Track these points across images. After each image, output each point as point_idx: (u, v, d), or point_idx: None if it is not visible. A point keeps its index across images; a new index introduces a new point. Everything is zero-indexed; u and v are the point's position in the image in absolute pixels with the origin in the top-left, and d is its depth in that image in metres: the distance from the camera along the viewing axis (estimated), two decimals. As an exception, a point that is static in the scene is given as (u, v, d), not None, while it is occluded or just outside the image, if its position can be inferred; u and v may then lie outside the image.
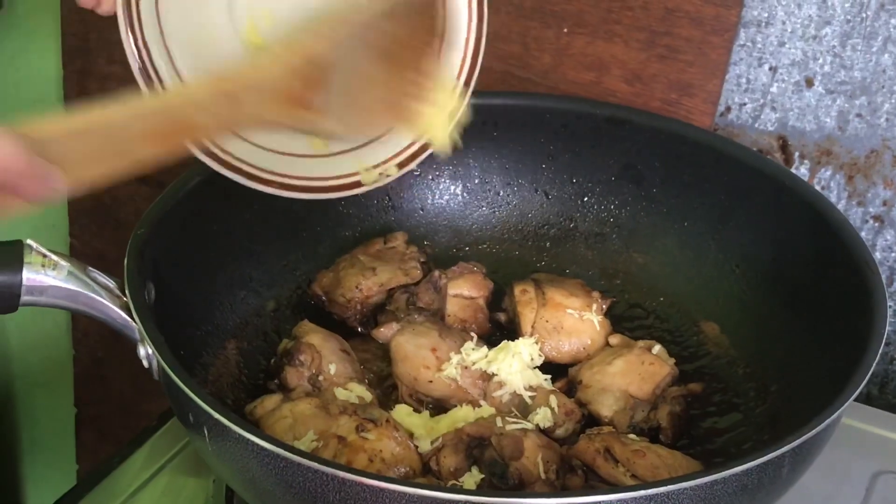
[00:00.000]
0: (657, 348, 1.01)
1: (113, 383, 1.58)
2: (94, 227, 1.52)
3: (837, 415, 0.78)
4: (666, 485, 0.71)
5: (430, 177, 1.17)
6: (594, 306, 1.04)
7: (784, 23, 1.13)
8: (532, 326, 1.03)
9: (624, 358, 0.99)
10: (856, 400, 1.16)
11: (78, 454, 1.72)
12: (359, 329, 1.06)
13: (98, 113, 0.69)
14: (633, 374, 0.97)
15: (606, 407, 0.95)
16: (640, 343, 1.01)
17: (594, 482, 0.87)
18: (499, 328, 1.06)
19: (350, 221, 1.14)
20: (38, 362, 1.68)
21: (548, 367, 1.01)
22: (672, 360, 1.00)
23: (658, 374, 0.97)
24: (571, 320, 1.03)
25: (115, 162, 0.69)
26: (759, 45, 1.15)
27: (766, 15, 1.13)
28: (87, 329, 1.58)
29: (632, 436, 0.91)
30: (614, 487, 0.83)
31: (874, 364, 0.82)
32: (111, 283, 0.87)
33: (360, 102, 0.79)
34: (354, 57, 0.76)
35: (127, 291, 0.86)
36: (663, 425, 0.95)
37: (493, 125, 1.15)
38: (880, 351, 0.83)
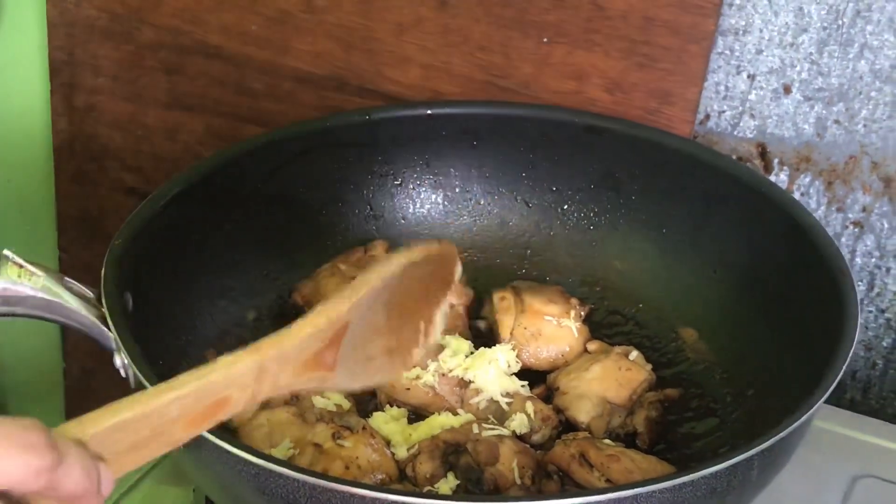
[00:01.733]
0: (634, 354, 1.01)
1: (103, 395, 1.58)
2: (83, 239, 1.52)
3: (806, 418, 0.78)
4: (633, 488, 0.71)
5: (412, 186, 1.18)
6: (572, 313, 1.05)
7: (761, 31, 1.14)
8: (511, 333, 1.04)
9: (601, 364, 0.99)
10: (839, 405, 1.19)
11: (69, 467, 1.72)
12: (339, 338, 1.06)
13: (137, 401, 0.66)
14: (609, 380, 0.97)
15: (584, 413, 0.96)
16: (618, 349, 1.02)
17: (570, 487, 0.88)
18: (479, 336, 1.07)
19: (331, 231, 1.14)
20: (29, 375, 1.69)
21: (526, 373, 1.01)
22: (649, 366, 1.01)
23: (635, 379, 0.98)
24: (550, 327, 1.04)
25: (154, 447, 0.66)
26: (737, 53, 1.15)
27: (743, 23, 1.14)
28: (76, 341, 1.59)
29: (607, 441, 0.92)
30: (582, 490, 0.83)
31: (843, 369, 0.82)
32: (89, 294, 0.88)
33: (367, 352, 0.76)
34: (370, 311, 0.74)
35: (103, 301, 0.86)
36: (640, 430, 0.95)
37: (473, 134, 1.16)
38: (849, 356, 0.83)
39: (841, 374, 0.81)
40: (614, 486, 0.75)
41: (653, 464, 0.88)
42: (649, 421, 0.95)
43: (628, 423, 0.96)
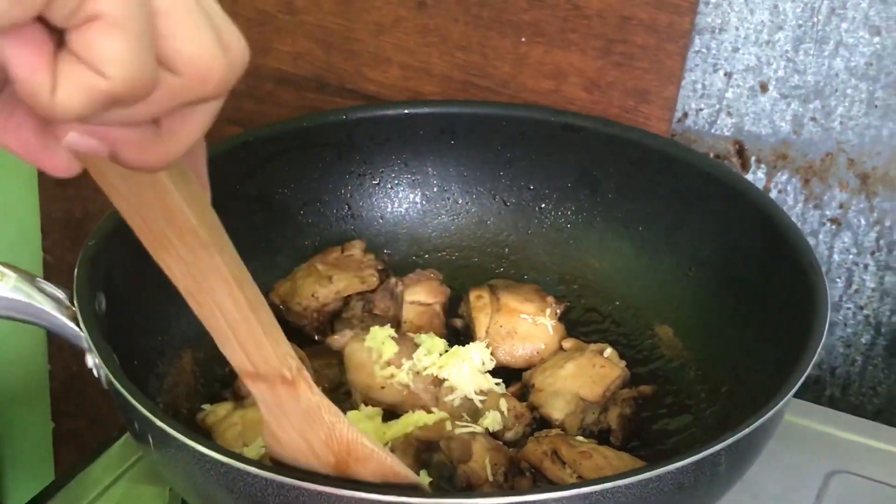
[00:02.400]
0: (608, 351, 1.01)
1: (89, 398, 1.59)
2: (67, 241, 1.53)
3: (771, 415, 0.78)
4: (599, 483, 0.72)
5: (390, 185, 1.18)
6: (548, 311, 1.05)
7: (737, 29, 1.14)
8: (486, 331, 1.04)
9: (576, 361, 1.00)
10: (818, 402, 1.19)
11: (56, 469, 1.73)
12: (316, 337, 1.07)
13: None
14: (584, 377, 0.98)
15: (558, 410, 0.96)
16: (592, 346, 1.02)
17: (542, 484, 0.88)
18: (455, 334, 1.07)
19: (309, 231, 1.15)
20: (16, 378, 1.69)
21: (503, 371, 1.02)
22: (623, 363, 1.01)
23: (608, 376, 0.98)
24: (525, 325, 1.04)
25: None
26: (714, 52, 1.16)
27: (719, 21, 1.14)
28: (61, 343, 1.58)
29: (580, 438, 0.92)
30: (548, 486, 0.83)
31: (809, 368, 0.82)
32: (61, 294, 0.88)
33: None
34: None
35: (75, 301, 0.86)
36: (613, 427, 0.96)
37: (450, 133, 1.16)
38: (815, 355, 0.83)
39: (807, 371, 0.81)
40: (580, 483, 0.75)
41: (624, 460, 0.88)
42: (622, 418, 0.96)
43: (602, 420, 0.96)
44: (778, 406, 0.78)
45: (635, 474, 0.72)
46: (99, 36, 0.41)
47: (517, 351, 1.04)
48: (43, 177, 1.48)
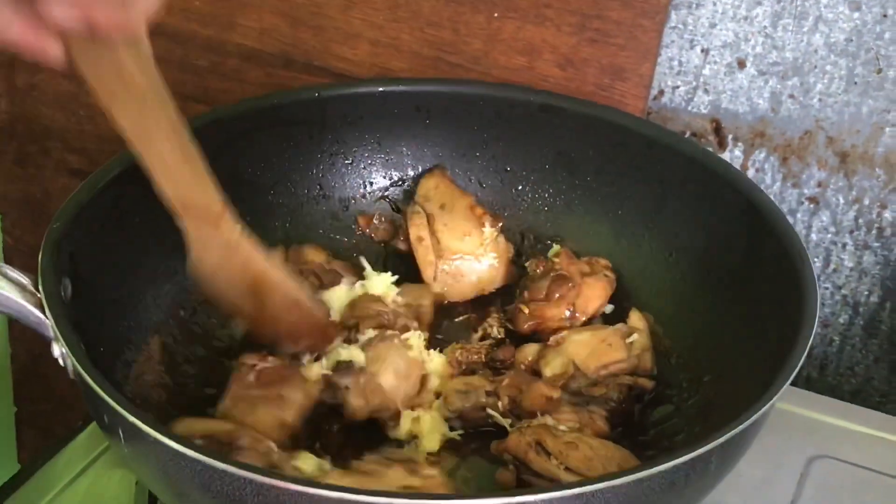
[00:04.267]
0: (633, 336, 1.00)
1: (52, 381, 1.56)
2: (27, 222, 1.49)
3: (765, 410, 0.76)
4: (591, 484, 0.70)
5: (363, 165, 1.15)
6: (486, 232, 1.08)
7: (715, 4, 1.12)
8: (434, 279, 1.08)
9: (594, 332, 1.00)
10: (795, 384, 1.17)
11: (19, 453, 1.70)
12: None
13: None
14: (589, 348, 0.97)
15: (550, 368, 0.97)
16: (622, 326, 1.01)
17: (527, 477, 0.86)
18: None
19: (280, 212, 1.12)
20: (-24, 361, 1.66)
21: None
22: (636, 352, 0.99)
23: (610, 356, 0.97)
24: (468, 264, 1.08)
25: None
26: (691, 27, 1.13)
27: (696, -4, 1.12)
28: (23, 326, 1.55)
29: (562, 427, 0.90)
30: (536, 488, 0.81)
31: (801, 361, 0.80)
32: (25, 280, 0.85)
33: None
34: None
35: (40, 287, 0.83)
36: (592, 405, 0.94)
37: (425, 113, 1.14)
38: (808, 345, 0.81)
39: (800, 365, 0.80)
40: (570, 483, 0.72)
41: (611, 450, 0.86)
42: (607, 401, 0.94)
43: (585, 393, 0.95)
44: (771, 402, 0.76)
45: (627, 475, 0.70)
46: None
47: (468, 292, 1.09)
48: (1, 157, 1.45)
